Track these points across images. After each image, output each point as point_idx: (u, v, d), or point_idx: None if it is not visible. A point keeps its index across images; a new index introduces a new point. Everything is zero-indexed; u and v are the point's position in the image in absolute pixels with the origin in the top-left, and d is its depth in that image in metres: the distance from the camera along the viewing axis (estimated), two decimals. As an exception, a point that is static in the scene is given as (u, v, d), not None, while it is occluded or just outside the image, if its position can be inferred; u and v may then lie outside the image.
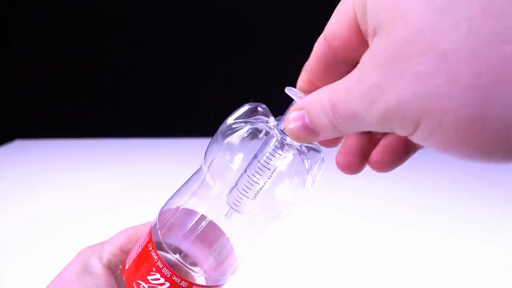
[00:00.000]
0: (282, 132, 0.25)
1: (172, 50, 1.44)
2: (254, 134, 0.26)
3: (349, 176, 0.24)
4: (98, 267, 0.29)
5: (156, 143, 1.27)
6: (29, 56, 1.41)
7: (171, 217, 0.28)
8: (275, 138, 0.25)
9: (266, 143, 0.25)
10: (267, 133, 0.26)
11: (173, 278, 0.26)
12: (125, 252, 0.31)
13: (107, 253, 0.31)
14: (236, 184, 0.25)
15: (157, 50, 1.45)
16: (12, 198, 0.85)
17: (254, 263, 0.61)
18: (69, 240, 0.69)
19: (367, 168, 0.24)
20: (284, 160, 0.25)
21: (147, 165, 1.08)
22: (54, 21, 1.40)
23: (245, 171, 0.25)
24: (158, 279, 0.26)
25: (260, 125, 0.26)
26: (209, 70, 1.43)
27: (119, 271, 0.30)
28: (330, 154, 0.26)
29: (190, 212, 0.28)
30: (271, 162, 0.24)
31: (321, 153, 0.27)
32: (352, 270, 0.62)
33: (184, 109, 1.45)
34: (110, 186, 0.93)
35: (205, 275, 0.28)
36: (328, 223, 0.78)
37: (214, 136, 0.26)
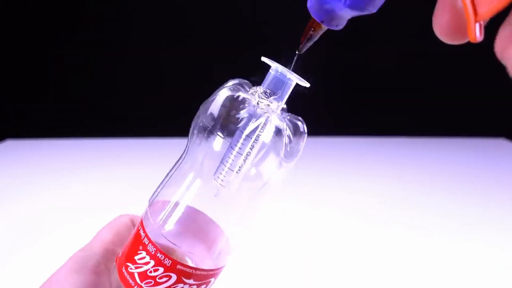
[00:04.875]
0: (262, 96, 0.25)
1: (171, 49, 1.42)
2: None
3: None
4: (91, 264, 0.28)
5: (155, 143, 1.26)
6: (18, 54, 1.39)
7: (161, 201, 0.29)
8: (254, 106, 0.26)
9: (248, 113, 0.26)
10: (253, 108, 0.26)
11: (157, 255, 0.26)
12: (115, 244, 0.31)
13: (100, 249, 0.30)
14: (222, 160, 0.26)
15: (156, 48, 1.44)
16: (2, 200, 0.83)
17: (249, 262, 0.60)
18: (62, 242, 0.67)
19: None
20: (264, 128, 0.25)
21: (142, 165, 1.06)
22: (43, 16, 1.38)
23: (230, 145, 0.26)
24: (144, 257, 0.26)
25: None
26: (209, 70, 1.42)
27: (114, 263, 0.30)
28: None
29: (179, 196, 0.28)
30: (251, 131, 0.25)
31: (303, 124, 0.27)
32: (351, 270, 0.62)
33: (183, 109, 1.44)
34: (103, 186, 0.92)
35: (191, 255, 0.28)
36: (326, 223, 0.77)
37: (202, 115, 0.27)
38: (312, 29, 0.23)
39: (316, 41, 0.24)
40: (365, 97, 1.47)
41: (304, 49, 0.24)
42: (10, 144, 1.21)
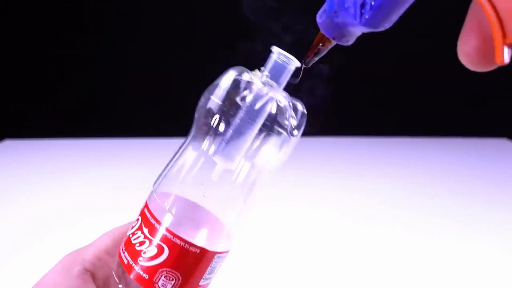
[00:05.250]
0: (265, 78, 0.27)
1: (171, 48, 1.42)
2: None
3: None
4: (75, 270, 0.28)
5: (155, 143, 1.26)
6: (18, 53, 1.39)
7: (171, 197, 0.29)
8: (258, 87, 0.26)
9: (253, 93, 0.26)
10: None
11: (150, 220, 0.27)
12: (110, 254, 0.30)
13: (90, 256, 0.30)
14: (223, 138, 0.26)
15: (156, 49, 1.43)
16: (1, 200, 0.83)
17: (249, 262, 0.60)
18: (61, 242, 0.67)
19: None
20: (267, 105, 0.26)
21: (142, 165, 1.06)
22: (44, 16, 1.37)
23: (234, 121, 0.26)
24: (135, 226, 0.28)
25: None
26: (210, 70, 1.42)
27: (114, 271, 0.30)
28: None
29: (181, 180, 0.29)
30: (254, 106, 0.26)
31: (302, 105, 0.28)
32: (351, 270, 0.61)
33: (184, 109, 1.43)
34: (102, 186, 0.91)
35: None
36: (325, 223, 0.77)
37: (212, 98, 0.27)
38: (321, 44, 0.23)
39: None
40: (365, 96, 1.47)
41: (311, 64, 0.24)
42: (9, 144, 1.21)
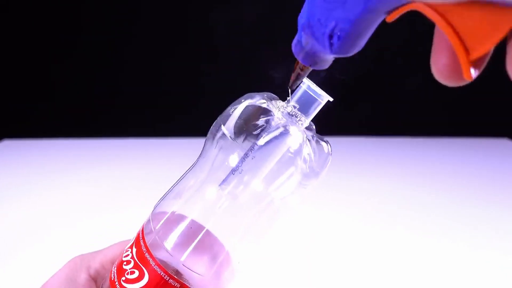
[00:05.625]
0: (289, 114, 0.25)
1: (171, 49, 1.42)
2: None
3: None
4: (82, 278, 0.28)
5: (155, 143, 1.26)
6: (17, 53, 1.39)
7: (166, 221, 0.27)
8: (274, 118, 0.25)
9: (266, 125, 0.25)
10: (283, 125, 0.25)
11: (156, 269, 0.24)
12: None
13: (97, 264, 0.29)
14: (232, 170, 0.24)
15: (156, 49, 1.43)
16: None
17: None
18: (61, 243, 0.67)
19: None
20: (281, 140, 0.24)
21: (142, 165, 1.06)
22: (43, 16, 1.37)
23: (245, 154, 0.24)
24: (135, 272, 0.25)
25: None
26: (209, 70, 1.42)
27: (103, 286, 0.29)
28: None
29: (181, 216, 0.27)
30: (267, 142, 0.24)
31: (328, 145, 0.26)
32: (350, 270, 0.61)
33: (183, 109, 1.43)
34: (102, 187, 0.91)
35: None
36: (325, 223, 0.77)
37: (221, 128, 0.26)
38: (300, 69, 0.24)
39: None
40: (365, 96, 1.46)
41: (294, 87, 0.26)
42: (8, 144, 1.20)
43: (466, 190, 0.94)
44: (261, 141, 0.24)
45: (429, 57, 0.17)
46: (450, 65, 0.16)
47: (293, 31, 0.24)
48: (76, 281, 0.28)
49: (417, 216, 0.81)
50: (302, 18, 0.21)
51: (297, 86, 0.26)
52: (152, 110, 1.44)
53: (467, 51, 0.14)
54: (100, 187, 0.91)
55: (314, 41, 0.20)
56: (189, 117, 1.40)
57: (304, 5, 0.20)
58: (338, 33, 0.19)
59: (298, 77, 0.25)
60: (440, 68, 0.16)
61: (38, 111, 1.42)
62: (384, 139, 1.35)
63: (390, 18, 0.17)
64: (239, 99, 0.27)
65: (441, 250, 0.68)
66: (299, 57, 0.23)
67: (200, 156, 0.27)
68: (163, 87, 1.46)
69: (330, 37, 0.19)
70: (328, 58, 0.22)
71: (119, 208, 0.80)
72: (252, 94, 0.27)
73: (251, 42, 1.40)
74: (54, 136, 1.25)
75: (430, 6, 0.15)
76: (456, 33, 0.14)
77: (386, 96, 1.44)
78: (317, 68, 0.23)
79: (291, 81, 0.25)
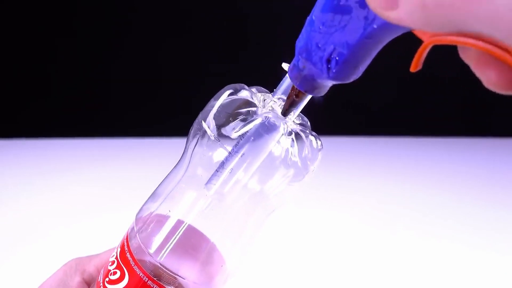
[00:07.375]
0: (271, 101, 0.24)
1: (171, 49, 1.42)
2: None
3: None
4: (75, 281, 0.28)
5: (155, 143, 1.26)
6: (16, 53, 1.38)
7: (148, 221, 0.25)
8: (264, 116, 0.23)
9: (248, 117, 0.23)
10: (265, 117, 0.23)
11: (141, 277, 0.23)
12: None
13: (92, 268, 0.29)
14: (217, 170, 0.23)
15: (156, 49, 1.43)
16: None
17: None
18: (60, 243, 0.67)
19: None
20: (271, 139, 0.23)
21: (142, 165, 1.06)
22: (39, 16, 1.37)
23: (230, 152, 0.23)
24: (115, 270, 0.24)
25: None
26: (209, 70, 1.42)
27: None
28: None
29: (164, 217, 0.25)
30: (248, 135, 0.22)
31: (317, 140, 0.25)
32: (350, 270, 0.61)
33: (183, 109, 1.43)
34: (102, 186, 0.91)
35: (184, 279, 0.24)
36: (325, 223, 0.76)
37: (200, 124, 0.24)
38: (295, 96, 0.23)
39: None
40: (365, 96, 1.46)
41: (288, 114, 0.24)
42: (8, 144, 1.20)
43: (466, 190, 0.94)
44: (234, 135, 0.23)
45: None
46: (504, 75, 0.15)
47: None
48: (69, 285, 0.28)
49: (416, 215, 0.80)
50: (300, 42, 0.20)
51: (289, 114, 0.24)
52: (149, 110, 1.44)
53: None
54: (98, 187, 0.90)
55: (311, 65, 0.20)
56: (188, 117, 1.40)
57: (302, 30, 0.20)
58: (336, 58, 0.18)
59: (293, 104, 0.23)
60: (495, 80, 0.15)
61: (31, 111, 1.41)
62: (384, 139, 1.35)
63: (415, 67, 0.16)
64: (220, 91, 0.25)
65: (441, 250, 0.68)
66: (295, 82, 0.22)
67: (182, 155, 0.26)
68: (163, 87, 1.46)
69: (328, 61, 0.19)
70: (326, 84, 0.21)
71: (117, 207, 0.79)
72: (234, 85, 0.25)
73: (250, 41, 1.40)
74: (46, 136, 1.24)
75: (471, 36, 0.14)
76: (505, 49, 0.13)
77: (387, 96, 1.44)
78: (313, 94, 0.22)
79: (284, 108, 0.24)
